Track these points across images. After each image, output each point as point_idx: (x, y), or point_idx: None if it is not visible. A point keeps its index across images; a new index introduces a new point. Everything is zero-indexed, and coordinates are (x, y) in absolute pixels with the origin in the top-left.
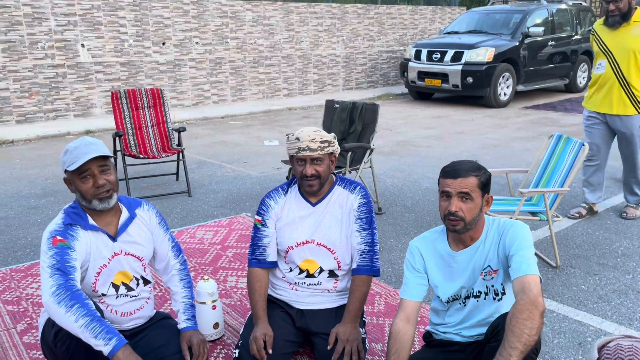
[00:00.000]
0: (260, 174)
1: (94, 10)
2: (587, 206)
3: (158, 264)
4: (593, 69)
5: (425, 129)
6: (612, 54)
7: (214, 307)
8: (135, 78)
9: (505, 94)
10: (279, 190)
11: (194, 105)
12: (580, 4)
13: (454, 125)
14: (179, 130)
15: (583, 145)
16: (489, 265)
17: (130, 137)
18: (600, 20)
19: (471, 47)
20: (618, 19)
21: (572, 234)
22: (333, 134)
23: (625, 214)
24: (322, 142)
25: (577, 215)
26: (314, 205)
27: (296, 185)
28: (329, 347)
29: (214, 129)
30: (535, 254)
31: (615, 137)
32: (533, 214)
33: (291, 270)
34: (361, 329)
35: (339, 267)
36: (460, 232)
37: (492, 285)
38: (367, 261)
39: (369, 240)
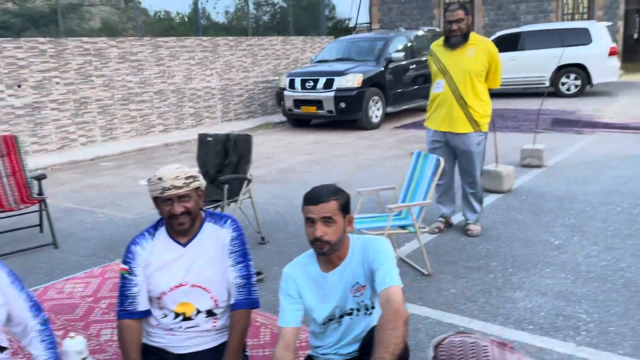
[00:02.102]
0: (136, 216)
1: None
2: (444, 220)
3: (15, 327)
4: (432, 88)
5: (305, 155)
6: (449, 74)
7: None
8: None
9: (376, 116)
10: (145, 235)
11: (59, 149)
12: (434, 29)
13: (332, 149)
14: (39, 178)
15: (439, 159)
16: (357, 282)
17: None
18: (438, 41)
19: (341, 73)
20: (459, 39)
21: (441, 242)
22: (197, 168)
23: (470, 232)
24: (186, 178)
25: (436, 230)
26: (184, 245)
27: (164, 227)
28: None
29: (83, 173)
30: (409, 264)
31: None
32: (403, 227)
33: (166, 315)
34: None
35: (217, 305)
36: (328, 254)
37: (362, 301)
38: (245, 295)
39: (245, 273)
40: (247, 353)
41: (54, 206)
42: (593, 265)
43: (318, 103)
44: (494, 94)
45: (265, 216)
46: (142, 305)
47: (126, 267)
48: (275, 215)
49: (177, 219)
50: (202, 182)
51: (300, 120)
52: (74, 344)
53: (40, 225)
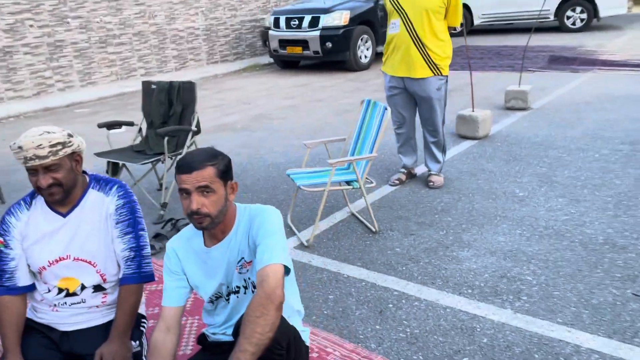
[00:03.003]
0: (95, 170)
1: None
2: (405, 171)
3: None
4: (387, 29)
5: (284, 99)
6: (405, 13)
7: None
8: None
9: (365, 57)
10: (21, 204)
11: (35, 96)
12: None
13: (314, 93)
14: None
15: (386, 109)
16: (242, 258)
17: None
18: None
19: (327, 11)
20: None
21: (399, 195)
22: (68, 132)
23: (432, 183)
24: (52, 146)
25: (397, 182)
26: (65, 215)
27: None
28: None
29: (55, 121)
30: (359, 221)
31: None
32: (348, 182)
33: (49, 291)
34: (135, 342)
35: (104, 280)
36: (209, 228)
37: (249, 278)
38: (134, 268)
39: (134, 245)
40: (144, 327)
41: (11, 158)
42: (553, 220)
43: (303, 43)
44: (494, 30)
45: None
46: (22, 280)
47: (1, 239)
48: (236, 166)
49: (46, 191)
50: (76, 146)
51: (289, 61)
52: None
53: None
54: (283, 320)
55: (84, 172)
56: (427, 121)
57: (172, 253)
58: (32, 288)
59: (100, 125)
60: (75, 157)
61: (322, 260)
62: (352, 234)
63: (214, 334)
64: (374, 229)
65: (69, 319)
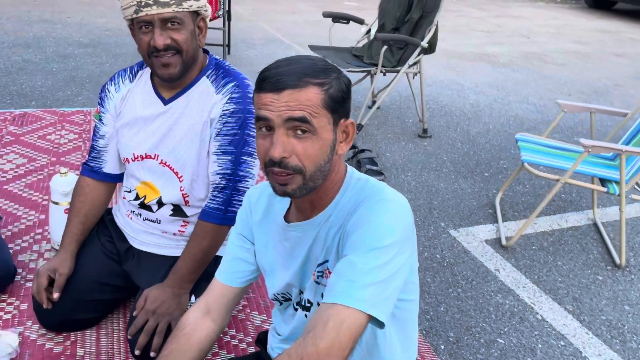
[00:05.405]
0: None
1: None
2: None
3: None
4: None
5: (574, 44)
6: None
7: (66, 211)
8: None
9: None
10: (126, 72)
11: None
12: None
13: (617, 45)
14: None
15: None
16: (327, 261)
17: None
18: None
19: None
20: None
21: None
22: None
23: None
24: None
25: None
26: (166, 102)
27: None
28: (134, 313)
29: (321, 6)
30: (602, 239)
31: None
32: (603, 181)
33: (130, 191)
34: (195, 299)
35: (187, 202)
36: (297, 197)
37: None
38: (219, 202)
39: (230, 172)
40: None
41: (263, 31)
42: None
43: None
44: None
45: (458, 104)
46: (109, 166)
47: (98, 108)
48: (469, 107)
49: (161, 57)
50: (203, 4)
51: (602, 0)
52: (63, 182)
53: (228, 46)
54: None
55: (206, 51)
56: None
57: (247, 207)
58: (118, 179)
59: (325, 15)
60: (199, 22)
61: (515, 277)
62: (580, 255)
63: (272, 347)
64: (618, 261)
65: (139, 235)
